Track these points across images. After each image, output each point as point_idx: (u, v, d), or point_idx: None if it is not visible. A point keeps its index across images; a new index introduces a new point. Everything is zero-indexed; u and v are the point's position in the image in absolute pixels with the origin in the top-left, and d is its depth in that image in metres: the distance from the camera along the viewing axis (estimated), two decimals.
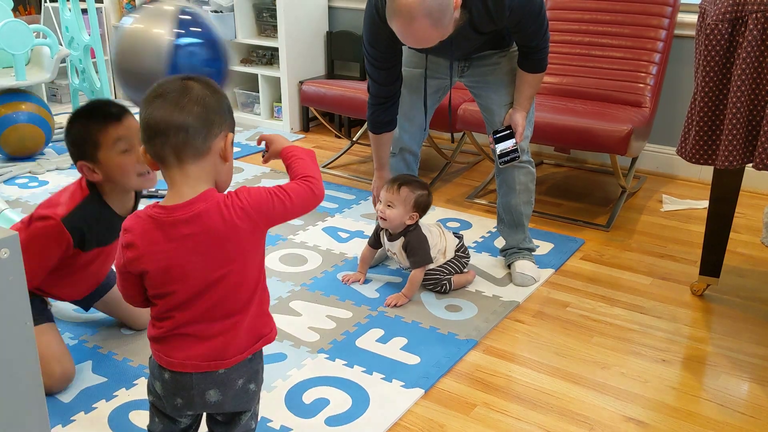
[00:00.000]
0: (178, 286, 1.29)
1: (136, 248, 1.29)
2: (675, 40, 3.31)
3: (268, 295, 1.41)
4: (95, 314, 2.23)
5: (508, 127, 2.42)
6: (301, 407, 1.84)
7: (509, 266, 2.58)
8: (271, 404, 1.84)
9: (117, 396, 1.87)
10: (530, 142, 2.53)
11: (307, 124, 4.40)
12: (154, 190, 2.40)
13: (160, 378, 1.34)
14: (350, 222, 3.01)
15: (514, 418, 1.82)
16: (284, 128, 4.36)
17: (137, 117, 1.36)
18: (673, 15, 3.26)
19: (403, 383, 1.94)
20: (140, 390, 1.89)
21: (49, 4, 4.21)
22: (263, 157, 1.54)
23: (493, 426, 1.79)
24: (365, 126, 3.82)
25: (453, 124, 3.28)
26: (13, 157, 3.69)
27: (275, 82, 4.37)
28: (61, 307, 2.28)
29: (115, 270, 1.37)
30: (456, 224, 3.01)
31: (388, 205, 2.34)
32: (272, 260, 2.64)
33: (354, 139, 3.90)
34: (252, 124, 4.49)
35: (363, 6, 2.23)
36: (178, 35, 1.86)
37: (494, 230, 2.88)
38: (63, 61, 3.87)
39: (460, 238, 2.50)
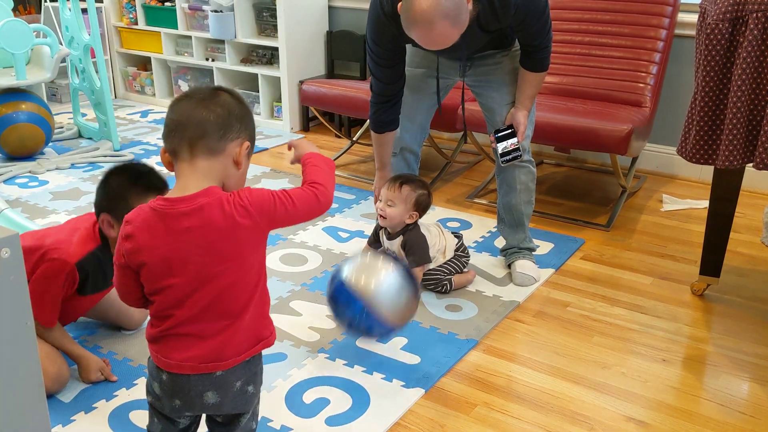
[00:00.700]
0: (175, 280, 1.29)
1: (135, 239, 1.29)
2: (675, 40, 3.31)
3: (268, 298, 1.40)
4: None
5: (510, 126, 2.42)
6: (302, 407, 1.84)
7: (509, 266, 2.58)
8: (271, 404, 1.84)
9: (117, 396, 1.87)
10: (530, 141, 2.53)
11: (307, 123, 4.40)
12: None
13: (158, 379, 1.34)
14: (350, 222, 3.01)
15: (514, 417, 1.82)
16: (284, 128, 4.36)
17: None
18: (674, 14, 3.26)
19: (404, 383, 1.94)
20: (140, 390, 1.89)
21: (49, 4, 4.21)
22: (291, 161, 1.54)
23: (494, 426, 1.79)
24: (365, 126, 3.82)
25: (454, 124, 3.28)
26: (13, 157, 3.70)
27: (275, 82, 4.37)
28: None
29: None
30: (456, 224, 3.00)
31: (389, 204, 2.34)
32: (272, 260, 2.64)
33: (354, 138, 3.90)
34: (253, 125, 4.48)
35: (363, 6, 2.24)
36: None
37: (494, 230, 2.88)
38: (63, 60, 3.87)
39: (459, 237, 2.50)
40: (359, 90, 3.47)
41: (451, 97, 2.84)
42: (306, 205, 1.36)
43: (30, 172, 3.55)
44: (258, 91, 4.43)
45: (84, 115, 4.39)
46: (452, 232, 2.51)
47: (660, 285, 2.51)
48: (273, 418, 1.79)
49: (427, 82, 2.50)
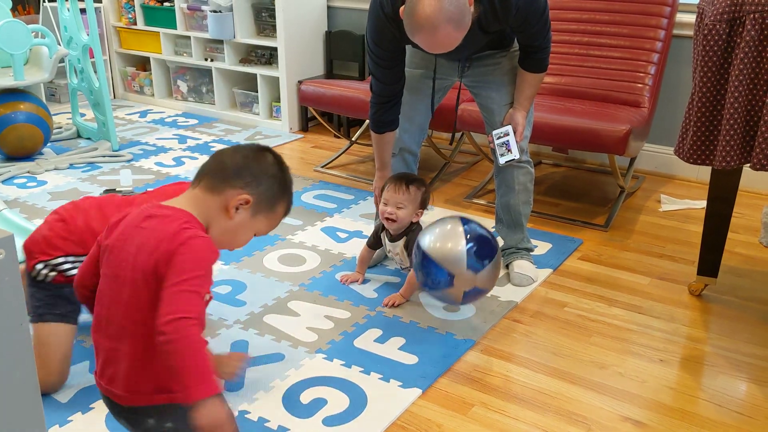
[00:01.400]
0: (106, 267, 1.31)
1: (117, 227, 1.33)
2: (674, 40, 3.31)
3: (170, 357, 1.19)
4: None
5: (508, 127, 2.42)
6: (299, 407, 1.84)
7: (507, 266, 2.58)
8: (268, 404, 1.84)
9: None
10: (529, 142, 2.53)
11: (306, 123, 4.40)
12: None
13: None
14: (349, 222, 3.01)
15: (511, 418, 1.82)
16: (283, 128, 4.36)
17: None
18: (672, 15, 3.26)
19: (401, 383, 1.94)
20: None
21: (47, 4, 4.21)
22: None
23: (491, 426, 1.79)
24: (364, 126, 3.82)
25: (453, 124, 3.28)
26: (12, 157, 3.69)
27: (274, 82, 4.37)
28: None
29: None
30: None
31: (399, 207, 2.33)
32: (271, 260, 2.64)
33: (353, 139, 3.90)
34: (251, 124, 4.49)
35: (362, 6, 2.24)
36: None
37: (493, 230, 2.87)
38: (61, 60, 3.87)
39: None
40: (358, 90, 3.47)
41: (449, 98, 2.84)
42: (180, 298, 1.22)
43: (28, 172, 3.55)
44: (257, 92, 4.43)
45: (83, 115, 4.39)
46: None
47: (658, 285, 2.51)
48: (270, 418, 1.79)
49: (425, 83, 2.50)
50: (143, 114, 4.73)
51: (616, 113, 3.03)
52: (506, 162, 2.43)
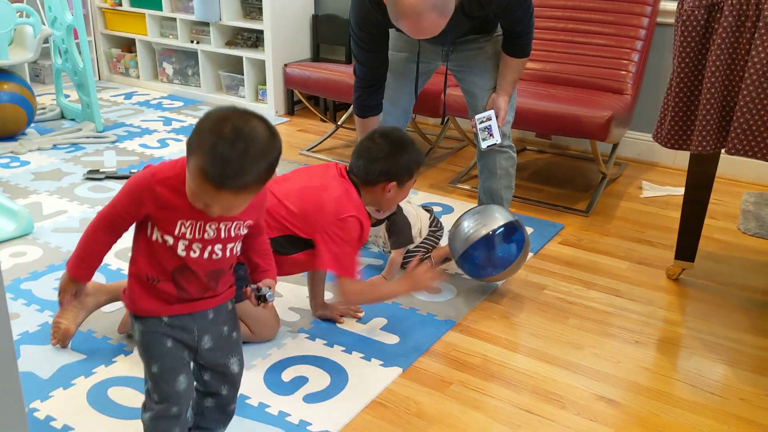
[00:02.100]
0: None
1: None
2: (657, 28, 3.34)
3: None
4: None
5: (491, 112, 2.44)
6: (280, 385, 1.86)
7: None
8: (249, 382, 1.86)
9: (96, 373, 1.88)
10: (512, 127, 2.55)
11: (292, 107, 4.40)
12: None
13: None
14: None
15: (488, 395, 1.85)
16: (269, 111, 4.35)
17: None
18: (656, 3, 3.29)
19: (382, 362, 1.97)
20: (119, 367, 1.91)
21: None
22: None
23: (467, 403, 1.82)
24: (350, 110, 3.82)
25: (438, 109, 3.30)
26: None
27: (260, 65, 4.36)
28: (45, 284, 2.29)
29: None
30: (438, 208, 3.03)
31: None
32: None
33: (339, 122, 3.90)
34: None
35: None
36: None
37: None
38: (46, 41, 3.84)
39: (430, 211, 2.53)
40: (343, 73, 3.48)
41: (434, 83, 2.86)
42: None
43: (12, 152, 3.54)
44: (243, 74, 4.42)
45: (67, 96, 4.36)
46: (423, 207, 2.53)
47: (636, 269, 2.55)
48: (251, 395, 1.81)
49: (410, 67, 2.51)
50: (128, 96, 4.71)
51: (599, 100, 3.06)
52: (488, 146, 2.45)
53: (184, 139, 3.79)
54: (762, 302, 2.35)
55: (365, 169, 1.97)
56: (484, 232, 2.27)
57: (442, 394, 1.85)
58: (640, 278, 2.49)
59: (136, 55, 4.90)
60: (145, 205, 1.34)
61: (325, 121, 4.21)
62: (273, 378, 1.89)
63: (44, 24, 3.92)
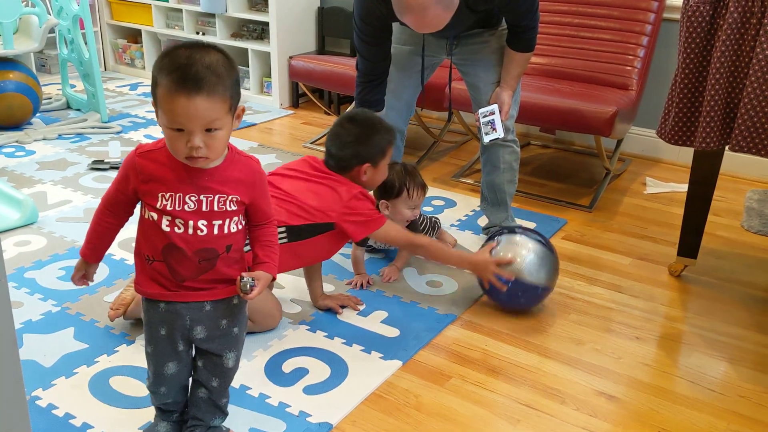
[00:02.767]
0: None
1: None
2: (663, 24, 3.32)
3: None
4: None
5: (494, 105, 2.43)
6: (280, 376, 1.87)
7: None
8: (250, 372, 1.87)
9: (98, 362, 1.89)
10: (515, 122, 2.55)
11: (296, 100, 4.40)
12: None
13: None
14: None
15: (487, 390, 1.86)
16: (273, 104, 4.35)
17: None
18: None
19: (382, 355, 1.97)
20: (121, 356, 1.92)
21: None
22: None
23: (467, 397, 1.82)
24: (354, 104, 3.82)
25: (442, 102, 3.29)
26: (0, 126, 3.68)
27: (265, 57, 4.36)
28: (49, 273, 2.30)
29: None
30: (441, 202, 3.03)
31: (415, 208, 2.33)
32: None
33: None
34: (242, 99, 4.47)
35: None
36: None
37: (478, 209, 2.90)
38: (51, 31, 3.85)
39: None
40: (348, 66, 3.47)
41: (439, 76, 2.85)
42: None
43: (17, 141, 3.55)
44: (248, 66, 4.42)
45: (73, 86, 4.37)
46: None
47: (638, 265, 2.55)
48: (251, 386, 1.82)
49: (414, 60, 2.51)
50: (134, 87, 4.71)
51: (604, 95, 3.05)
52: (491, 141, 2.45)
53: None
54: (764, 299, 2.34)
55: (338, 156, 2.01)
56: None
57: (442, 388, 1.86)
58: (642, 274, 2.49)
59: (141, 46, 4.91)
60: (130, 179, 1.40)
61: (329, 114, 4.20)
62: (273, 369, 1.89)
63: (50, 14, 3.93)
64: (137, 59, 4.98)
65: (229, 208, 1.42)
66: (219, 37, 4.44)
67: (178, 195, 1.38)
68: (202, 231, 1.40)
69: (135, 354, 1.92)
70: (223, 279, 1.46)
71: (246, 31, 4.45)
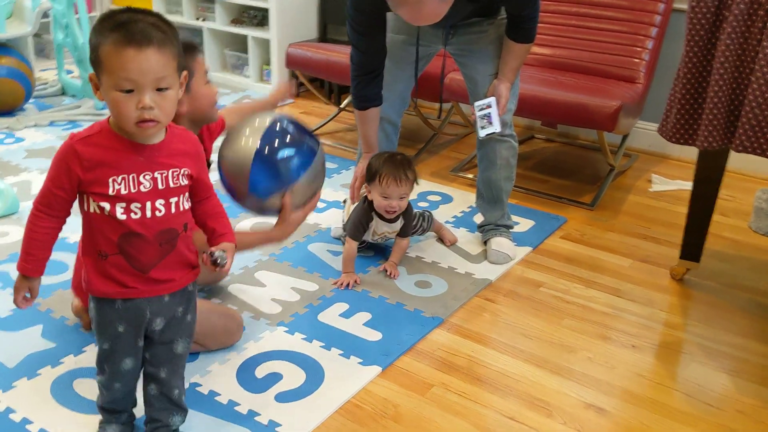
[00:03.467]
0: None
1: None
2: (673, 14, 3.18)
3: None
4: (52, 276, 2.17)
5: (491, 99, 2.33)
6: (252, 381, 1.78)
7: (485, 243, 2.51)
8: (221, 377, 1.78)
9: (63, 363, 1.81)
10: (514, 115, 2.44)
11: (296, 88, 4.30)
12: None
13: None
14: (329, 192, 2.93)
15: (470, 400, 1.76)
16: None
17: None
18: None
19: (361, 360, 1.88)
20: (88, 357, 1.84)
21: None
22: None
23: (448, 408, 1.73)
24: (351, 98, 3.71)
25: (439, 93, 3.18)
26: None
27: (266, 45, 4.26)
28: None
29: None
30: (437, 197, 2.93)
31: (402, 198, 2.25)
32: (243, 229, 2.57)
33: (341, 105, 3.80)
34: (241, 87, 4.39)
35: None
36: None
37: (475, 206, 2.79)
38: (46, 15, 3.77)
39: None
40: (347, 55, 3.34)
41: (436, 65, 2.74)
42: None
43: (7, 128, 3.48)
44: (247, 53, 4.32)
45: (69, 72, 4.29)
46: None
47: (639, 268, 2.44)
48: (221, 392, 1.74)
49: (408, 51, 2.41)
50: None
51: (609, 88, 2.93)
52: (486, 135, 2.34)
53: None
54: None
55: None
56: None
57: (422, 397, 1.76)
58: (642, 277, 2.37)
59: None
60: (73, 170, 1.30)
61: (329, 104, 4.10)
62: (246, 374, 1.81)
63: None
64: None
65: (182, 183, 1.37)
66: (219, 22, 4.34)
67: (131, 176, 1.31)
68: (160, 211, 1.34)
69: None
70: (183, 262, 1.41)
71: (246, 17, 4.35)
